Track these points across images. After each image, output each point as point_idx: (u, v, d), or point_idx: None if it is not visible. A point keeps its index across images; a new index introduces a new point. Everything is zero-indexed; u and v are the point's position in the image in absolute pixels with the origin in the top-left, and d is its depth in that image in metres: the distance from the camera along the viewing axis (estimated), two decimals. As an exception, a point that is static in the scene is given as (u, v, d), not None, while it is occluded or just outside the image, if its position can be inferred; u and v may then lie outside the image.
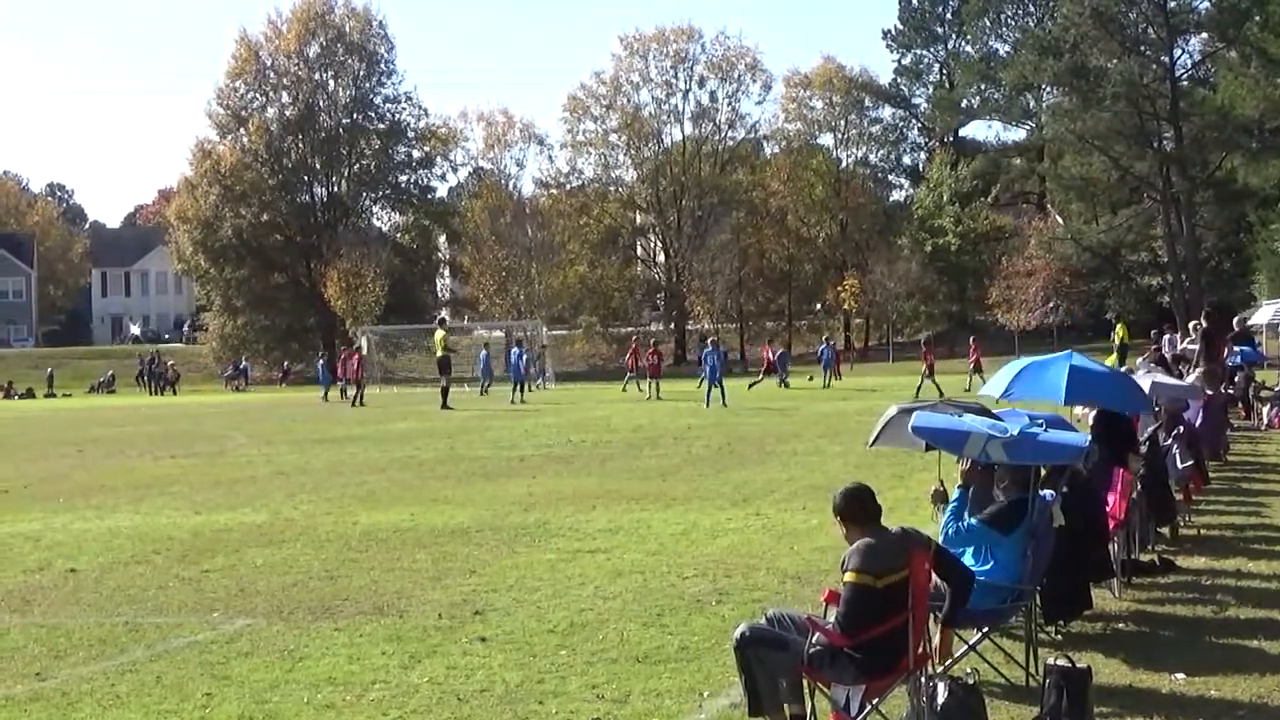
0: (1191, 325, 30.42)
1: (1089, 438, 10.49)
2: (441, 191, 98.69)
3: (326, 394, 54.98)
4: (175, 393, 74.87)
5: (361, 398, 47.81)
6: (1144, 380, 14.59)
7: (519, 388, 48.07)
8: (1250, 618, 10.38)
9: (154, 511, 18.44)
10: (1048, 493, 9.54)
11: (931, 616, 7.61)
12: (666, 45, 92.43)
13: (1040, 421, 9.39)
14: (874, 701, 7.20)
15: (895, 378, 50.63)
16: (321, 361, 58.96)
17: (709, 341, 44.51)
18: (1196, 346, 25.72)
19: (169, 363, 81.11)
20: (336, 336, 79.51)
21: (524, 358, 50.66)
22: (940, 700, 7.20)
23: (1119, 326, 53.16)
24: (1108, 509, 11.13)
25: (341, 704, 8.65)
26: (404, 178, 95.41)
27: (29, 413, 54.08)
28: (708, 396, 40.21)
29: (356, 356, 50.72)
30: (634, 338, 62.98)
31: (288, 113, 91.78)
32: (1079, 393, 11.76)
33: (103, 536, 16.13)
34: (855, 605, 7.10)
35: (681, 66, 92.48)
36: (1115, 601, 10.90)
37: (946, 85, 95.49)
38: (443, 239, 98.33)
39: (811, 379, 54.67)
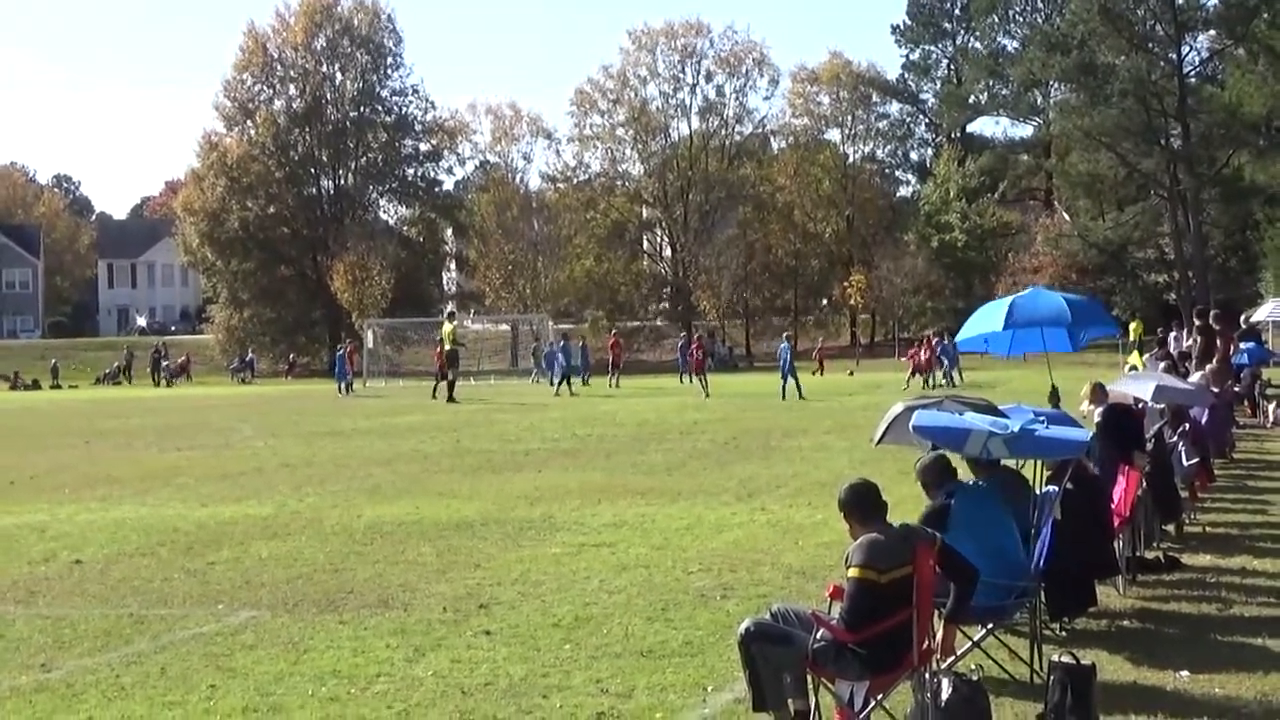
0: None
1: (1091, 433, 10.49)
2: (448, 185, 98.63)
3: (341, 387, 53.71)
4: (190, 379, 75.35)
5: (451, 393, 44.27)
6: (1149, 382, 14.57)
7: (565, 381, 48.42)
8: (1255, 615, 10.39)
9: (160, 503, 18.47)
10: (1051, 488, 9.55)
11: (936, 612, 7.61)
12: (674, 40, 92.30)
13: (1042, 418, 9.39)
14: (878, 697, 7.21)
15: (902, 374, 50.49)
16: (341, 353, 57.02)
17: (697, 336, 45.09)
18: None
19: (180, 357, 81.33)
20: (343, 329, 79.50)
21: (575, 351, 50.75)
22: (945, 696, 7.20)
23: (1134, 323, 52.95)
24: (1113, 506, 11.13)
25: (346, 697, 8.66)
26: (411, 171, 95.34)
27: (35, 404, 54.10)
28: (783, 390, 40.36)
29: (439, 349, 48.89)
30: (614, 331, 63.72)
31: (295, 105, 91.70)
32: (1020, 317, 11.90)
33: (108, 528, 16.16)
34: (860, 601, 7.10)
35: (689, 61, 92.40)
36: (1120, 598, 10.91)
37: (954, 81, 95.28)
38: (449, 232, 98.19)
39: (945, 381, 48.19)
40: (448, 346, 44.24)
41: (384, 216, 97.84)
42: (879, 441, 10.49)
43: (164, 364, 76.82)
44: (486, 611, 10.92)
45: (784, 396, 39.36)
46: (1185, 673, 8.74)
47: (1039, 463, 10.12)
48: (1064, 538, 9.28)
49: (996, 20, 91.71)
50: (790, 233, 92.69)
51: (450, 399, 41.55)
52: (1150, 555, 12.43)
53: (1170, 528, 13.72)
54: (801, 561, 12.69)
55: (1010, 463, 10.22)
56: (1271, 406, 26.84)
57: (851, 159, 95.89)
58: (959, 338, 12.14)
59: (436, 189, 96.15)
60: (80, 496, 19.51)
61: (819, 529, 14.34)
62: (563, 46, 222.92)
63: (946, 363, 49.23)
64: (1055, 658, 7.85)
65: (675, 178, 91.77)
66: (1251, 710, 8.09)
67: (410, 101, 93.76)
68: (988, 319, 12.10)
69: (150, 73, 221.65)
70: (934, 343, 50.57)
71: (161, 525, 16.25)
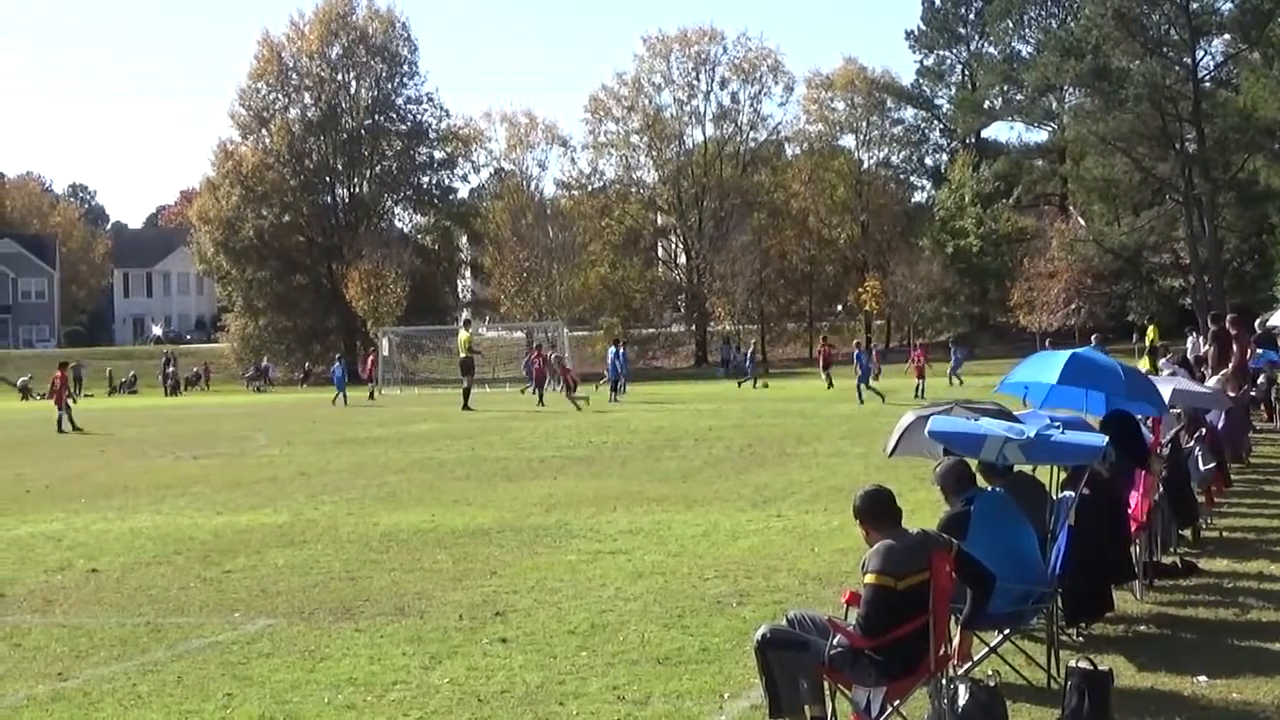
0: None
1: (1107, 439, 10.44)
2: (463, 192, 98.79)
3: (338, 399, 51.23)
4: (208, 386, 75.87)
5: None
6: (1166, 385, 14.51)
7: (615, 387, 48.21)
8: (1273, 620, 10.34)
9: (175, 512, 18.49)
10: (1067, 493, 9.52)
11: (952, 618, 7.59)
12: (688, 46, 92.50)
13: (1058, 423, 9.35)
14: (895, 703, 7.18)
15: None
16: (337, 367, 55.16)
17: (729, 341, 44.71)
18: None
19: (197, 366, 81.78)
20: (358, 338, 79.59)
21: (621, 357, 50.88)
22: (961, 702, 7.19)
23: (1150, 328, 52.64)
24: (1129, 511, 11.09)
25: (362, 704, 8.66)
26: (425, 179, 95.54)
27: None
28: (864, 394, 41.20)
29: (551, 355, 47.28)
30: (535, 345, 55.05)
31: (310, 114, 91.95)
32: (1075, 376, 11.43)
33: (124, 537, 16.18)
34: (876, 607, 7.08)
35: (703, 68, 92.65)
36: (1137, 604, 10.87)
37: (969, 86, 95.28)
38: (464, 240, 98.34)
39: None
40: (463, 354, 44.19)
41: (399, 224, 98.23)
42: (892, 452, 10.45)
43: (170, 372, 76.96)
44: (502, 619, 10.91)
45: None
46: (1203, 678, 8.70)
47: (1055, 468, 10.09)
48: (1080, 543, 9.24)
49: (1011, 25, 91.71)
50: (805, 239, 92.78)
51: (465, 406, 41.47)
52: (1167, 560, 12.37)
53: (1187, 533, 13.66)
54: (818, 568, 12.67)
55: (1026, 468, 10.19)
56: (1288, 411, 26.70)
57: (866, 165, 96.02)
58: (1003, 381, 11.87)
59: (451, 196, 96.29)
60: (96, 505, 19.54)
61: (835, 535, 14.31)
62: (577, 54, 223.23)
63: (955, 362, 49.90)
64: (1072, 663, 7.83)
65: (690, 184, 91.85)
66: (1269, 715, 8.06)
67: (425, 109, 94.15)
68: (1041, 368, 11.65)
69: (165, 82, 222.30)
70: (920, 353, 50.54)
71: (177, 534, 16.27)
